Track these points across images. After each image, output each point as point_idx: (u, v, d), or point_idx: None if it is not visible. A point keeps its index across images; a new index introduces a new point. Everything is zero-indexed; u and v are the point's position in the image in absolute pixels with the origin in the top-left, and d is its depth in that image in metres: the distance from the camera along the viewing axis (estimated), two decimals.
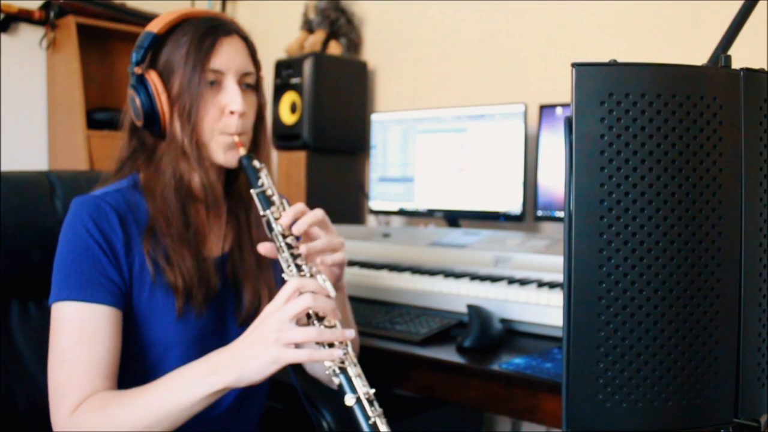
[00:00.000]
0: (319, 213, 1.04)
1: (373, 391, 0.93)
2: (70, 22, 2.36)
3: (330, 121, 2.26)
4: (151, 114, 1.04)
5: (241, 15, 2.92)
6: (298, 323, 0.92)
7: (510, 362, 1.18)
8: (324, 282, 0.98)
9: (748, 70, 0.63)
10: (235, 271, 1.11)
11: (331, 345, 0.93)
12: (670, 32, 1.75)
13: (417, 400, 1.79)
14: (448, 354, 1.26)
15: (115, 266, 0.99)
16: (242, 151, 1.06)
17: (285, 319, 0.90)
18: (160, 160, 1.06)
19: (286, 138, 2.28)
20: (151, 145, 1.08)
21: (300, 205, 1.03)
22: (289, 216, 1.01)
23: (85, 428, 0.91)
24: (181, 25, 1.05)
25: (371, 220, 2.36)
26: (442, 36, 2.22)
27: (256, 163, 1.06)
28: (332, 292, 0.97)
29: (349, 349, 0.94)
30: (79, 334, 0.95)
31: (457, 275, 1.50)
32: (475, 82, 2.14)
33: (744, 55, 0.72)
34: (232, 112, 1.04)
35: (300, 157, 2.25)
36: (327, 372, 0.93)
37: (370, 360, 1.32)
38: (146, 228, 1.03)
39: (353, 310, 1.45)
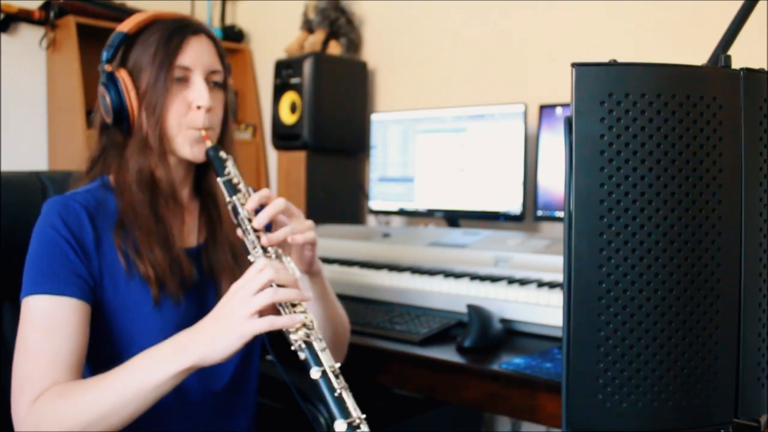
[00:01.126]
0: (280, 202, 1.06)
1: (338, 365, 0.95)
2: (70, 22, 2.36)
3: (330, 121, 2.26)
4: (120, 111, 1.06)
5: (241, 15, 2.92)
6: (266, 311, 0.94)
7: (510, 362, 1.18)
8: (288, 263, 1.02)
9: (748, 70, 0.63)
10: (210, 263, 1.13)
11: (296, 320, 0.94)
12: (670, 32, 1.75)
13: (417, 400, 1.79)
14: (447, 354, 1.26)
15: (84, 262, 1.00)
16: (209, 144, 1.09)
17: (248, 294, 0.93)
18: (128, 156, 1.08)
19: (286, 138, 2.28)
20: (120, 143, 1.10)
21: (265, 191, 1.06)
22: (254, 201, 1.05)
23: (46, 416, 0.91)
24: (150, 25, 1.08)
25: (371, 220, 2.36)
26: (442, 36, 2.22)
27: (223, 154, 1.09)
28: (297, 273, 1.01)
29: (315, 325, 0.97)
30: (45, 326, 0.95)
31: (457, 275, 1.50)
32: (475, 82, 2.14)
33: (744, 55, 0.72)
34: (198, 107, 1.07)
35: (300, 157, 2.25)
36: (293, 347, 0.95)
37: (370, 360, 1.32)
38: (116, 222, 1.04)
39: (354, 311, 1.46)
